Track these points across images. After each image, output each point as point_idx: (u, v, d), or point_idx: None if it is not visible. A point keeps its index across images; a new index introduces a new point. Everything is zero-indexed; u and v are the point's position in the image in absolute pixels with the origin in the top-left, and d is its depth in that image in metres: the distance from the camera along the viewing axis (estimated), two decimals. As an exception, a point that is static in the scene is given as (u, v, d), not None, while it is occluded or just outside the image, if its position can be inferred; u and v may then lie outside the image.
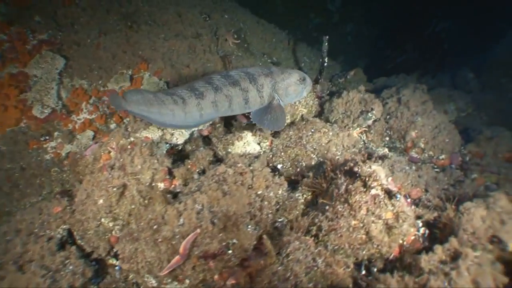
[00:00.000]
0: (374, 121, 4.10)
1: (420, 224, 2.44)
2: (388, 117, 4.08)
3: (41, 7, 4.47)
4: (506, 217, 2.07)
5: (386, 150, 4.09)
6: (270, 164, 3.56)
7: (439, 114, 4.07)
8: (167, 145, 3.71)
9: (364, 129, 4.10)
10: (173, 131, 3.64)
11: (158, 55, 4.61)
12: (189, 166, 3.38)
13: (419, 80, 6.46)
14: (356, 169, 2.48)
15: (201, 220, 2.36)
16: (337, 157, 3.28)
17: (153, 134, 3.59)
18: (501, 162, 3.86)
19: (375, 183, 2.33)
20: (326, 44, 4.82)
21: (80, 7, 4.62)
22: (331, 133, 3.84)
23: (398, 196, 2.33)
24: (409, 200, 2.48)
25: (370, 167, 2.42)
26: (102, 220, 2.76)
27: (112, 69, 4.40)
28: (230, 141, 3.79)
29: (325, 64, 4.89)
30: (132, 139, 3.31)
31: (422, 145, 3.83)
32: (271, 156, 3.64)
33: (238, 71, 3.04)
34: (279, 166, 3.63)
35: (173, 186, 3.05)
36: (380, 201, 2.28)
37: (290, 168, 3.59)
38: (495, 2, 6.72)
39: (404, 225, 2.26)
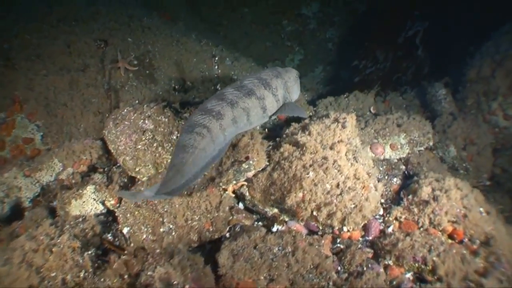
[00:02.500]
0: (262, 169, 3.10)
1: None
2: (277, 166, 3.05)
3: None
4: None
5: (276, 210, 3.08)
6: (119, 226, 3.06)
7: (357, 161, 2.96)
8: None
9: (243, 183, 3.12)
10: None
11: (33, 94, 4.03)
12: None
13: (379, 99, 5.21)
14: None
15: None
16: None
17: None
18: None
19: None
20: (216, 64, 3.87)
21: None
22: (185, 192, 3.02)
23: None
24: None
25: None
26: None
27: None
28: (67, 200, 3.31)
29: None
30: None
31: (315, 212, 2.76)
32: (119, 216, 3.08)
33: (250, 78, 2.82)
34: (125, 230, 3.04)
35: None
36: None
37: (137, 234, 3.00)
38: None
39: None
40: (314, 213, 2.76)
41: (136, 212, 3.06)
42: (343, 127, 3.19)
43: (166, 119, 3.58)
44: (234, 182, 3.09)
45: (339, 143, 3.03)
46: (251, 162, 3.03)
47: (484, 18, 5.48)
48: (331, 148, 2.98)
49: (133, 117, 3.59)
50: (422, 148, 3.95)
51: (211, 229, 3.05)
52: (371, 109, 4.64)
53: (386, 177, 3.45)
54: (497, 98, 4.19)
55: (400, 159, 3.87)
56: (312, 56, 8.25)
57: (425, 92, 4.82)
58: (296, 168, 2.84)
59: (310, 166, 2.82)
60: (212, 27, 7.63)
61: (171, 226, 3.04)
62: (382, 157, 3.81)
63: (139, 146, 3.47)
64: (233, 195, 3.19)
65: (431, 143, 3.96)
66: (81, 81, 4.22)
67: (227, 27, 7.87)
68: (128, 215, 3.08)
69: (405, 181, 3.46)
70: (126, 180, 3.63)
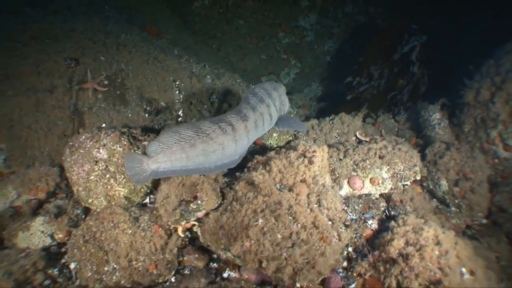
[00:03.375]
0: (215, 208, 2.80)
1: None
2: (229, 207, 2.74)
3: None
4: None
5: (229, 254, 2.76)
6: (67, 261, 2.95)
7: (320, 205, 2.61)
8: None
9: (193, 223, 2.82)
10: None
11: (-4, 116, 3.87)
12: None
13: (370, 121, 4.80)
14: None
15: None
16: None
17: None
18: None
19: None
20: (177, 89, 3.59)
21: None
22: (130, 231, 2.79)
23: None
24: None
25: None
26: None
27: None
28: (14, 232, 3.18)
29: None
30: None
31: (263, 264, 2.42)
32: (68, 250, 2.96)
33: (258, 88, 2.98)
34: (72, 266, 2.93)
35: None
36: None
37: (83, 271, 2.84)
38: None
39: None
40: (263, 264, 2.43)
41: (84, 248, 2.88)
42: (310, 163, 2.85)
43: (121, 149, 3.36)
44: (184, 222, 2.81)
45: (301, 183, 2.70)
46: (199, 202, 2.73)
47: (494, 30, 5.02)
48: (290, 190, 2.64)
49: (88, 145, 3.40)
50: (407, 183, 3.54)
51: (155, 272, 2.78)
52: (357, 134, 4.25)
53: (360, 220, 3.07)
54: (497, 126, 3.73)
55: (381, 195, 3.48)
56: (309, 70, 7.90)
57: (418, 115, 4.39)
58: (246, 213, 2.52)
59: (261, 211, 2.49)
60: (205, 40, 7.42)
61: (115, 266, 2.84)
62: (360, 193, 3.44)
63: (92, 177, 3.28)
64: (183, 235, 2.90)
65: (418, 177, 3.55)
66: (48, 102, 4.04)
67: (221, 40, 7.64)
68: (76, 250, 2.92)
69: (383, 224, 3.07)
70: (79, 211, 3.42)
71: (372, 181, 3.42)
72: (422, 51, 5.04)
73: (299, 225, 2.44)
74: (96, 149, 3.35)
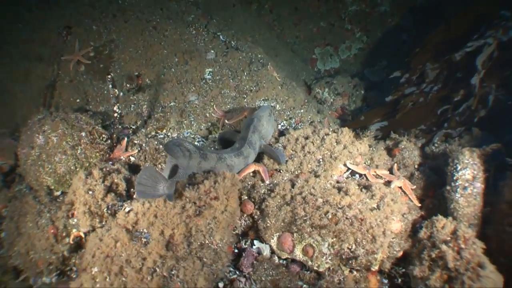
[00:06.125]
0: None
1: None
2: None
3: None
4: None
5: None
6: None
7: None
8: None
9: (81, 234, 2.67)
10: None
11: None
12: None
13: (386, 144, 3.49)
14: None
15: None
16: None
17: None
18: None
19: None
20: (110, 82, 3.10)
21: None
22: (30, 224, 2.89)
23: None
24: None
25: None
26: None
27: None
28: None
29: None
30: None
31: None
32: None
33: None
34: (2, 235, 3.09)
35: None
36: None
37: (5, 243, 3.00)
38: None
39: None
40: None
41: (7, 225, 3.03)
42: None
43: (55, 138, 3.22)
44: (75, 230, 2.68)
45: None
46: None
47: None
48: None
49: (34, 128, 3.36)
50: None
51: (41, 267, 2.82)
52: (348, 164, 3.13)
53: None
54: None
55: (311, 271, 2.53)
56: (376, 47, 6.24)
57: (447, 158, 2.94)
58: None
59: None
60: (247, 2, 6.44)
61: (19, 250, 2.89)
62: (286, 257, 2.58)
63: (28, 161, 3.29)
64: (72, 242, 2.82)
65: (374, 268, 2.43)
66: (34, 72, 4.11)
67: (273, 1, 6.53)
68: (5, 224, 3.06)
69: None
70: (23, 187, 3.50)
71: (305, 250, 2.50)
72: (498, 56, 3.25)
73: None
74: (37, 134, 3.30)
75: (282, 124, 4.07)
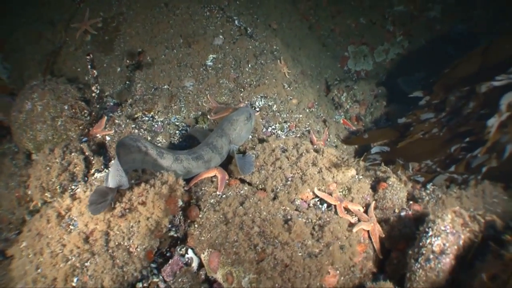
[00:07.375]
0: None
1: None
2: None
3: None
4: None
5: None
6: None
7: None
8: None
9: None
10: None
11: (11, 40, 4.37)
12: None
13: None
14: None
15: None
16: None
17: None
18: None
19: None
20: (90, 63, 3.03)
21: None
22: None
23: None
24: None
25: None
26: None
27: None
28: None
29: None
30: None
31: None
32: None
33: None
34: None
35: None
36: None
37: None
38: None
39: None
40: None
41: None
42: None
43: (40, 107, 3.32)
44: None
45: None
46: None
47: None
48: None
49: (26, 94, 3.49)
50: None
51: None
52: (316, 191, 2.81)
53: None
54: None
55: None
56: (417, 55, 5.51)
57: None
58: None
59: None
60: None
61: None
62: None
63: (16, 124, 3.44)
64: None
65: None
66: (45, 36, 4.21)
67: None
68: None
69: None
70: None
71: (226, 276, 2.29)
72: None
73: None
74: (26, 100, 3.43)
75: (272, 127, 3.79)
